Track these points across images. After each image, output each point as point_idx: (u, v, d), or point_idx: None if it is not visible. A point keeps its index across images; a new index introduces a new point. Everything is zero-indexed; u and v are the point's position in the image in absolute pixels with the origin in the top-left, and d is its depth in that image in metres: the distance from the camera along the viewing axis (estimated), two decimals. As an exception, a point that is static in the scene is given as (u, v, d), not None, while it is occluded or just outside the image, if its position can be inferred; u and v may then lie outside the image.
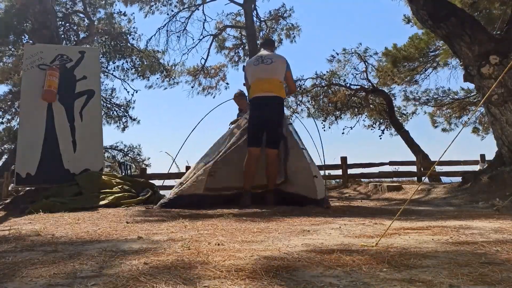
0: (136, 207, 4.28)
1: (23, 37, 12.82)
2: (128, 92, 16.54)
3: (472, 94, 13.05)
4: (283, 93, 4.53)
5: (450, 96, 13.77)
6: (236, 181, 4.47)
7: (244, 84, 5.02)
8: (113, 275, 1.40)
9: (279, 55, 4.76)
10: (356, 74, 14.33)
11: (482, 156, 9.75)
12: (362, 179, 10.10)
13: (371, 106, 15.13)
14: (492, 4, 8.11)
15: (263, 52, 4.73)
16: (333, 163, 10.37)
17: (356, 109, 15.01)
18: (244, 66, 4.86)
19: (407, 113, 14.74)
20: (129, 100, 16.37)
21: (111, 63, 15.47)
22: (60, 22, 13.51)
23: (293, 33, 15.59)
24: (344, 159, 10.13)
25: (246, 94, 5.14)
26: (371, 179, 10.01)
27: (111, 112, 16.50)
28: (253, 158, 4.38)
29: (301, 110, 15.06)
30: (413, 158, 11.60)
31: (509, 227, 2.46)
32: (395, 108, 14.40)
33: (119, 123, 16.44)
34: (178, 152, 5.32)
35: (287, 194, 4.52)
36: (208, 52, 15.63)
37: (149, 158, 18.35)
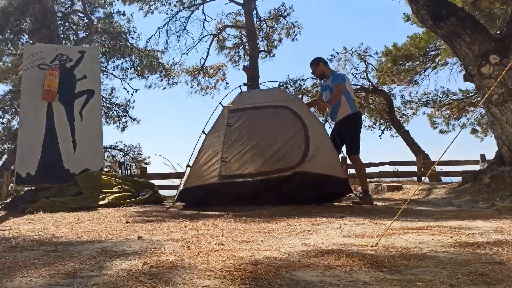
0: (136, 207, 4.27)
1: (22, 36, 12.80)
2: (127, 91, 16.53)
3: (470, 94, 13.04)
4: None
5: (449, 97, 13.76)
6: (248, 168, 4.34)
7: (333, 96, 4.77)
8: (113, 275, 1.40)
9: None
10: (356, 73, 14.32)
11: (482, 156, 9.73)
12: (362, 179, 10.06)
13: (371, 106, 15.12)
14: (492, 3, 8.10)
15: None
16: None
17: (356, 109, 14.98)
18: (345, 76, 5.21)
19: (407, 113, 14.74)
20: (129, 100, 16.36)
21: (110, 62, 15.44)
22: (60, 22, 13.48)
23: (293, 32, 15.55)
24: (344, 159, 10.11)
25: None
26: (371, 179, 10.00)
27: (111, 112, 16.48)
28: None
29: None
30: (413, 158, 11.59)
31: (509, 227, 2.46)
32: (395, 108, 14.39)
33: (119, 123, 16.43)
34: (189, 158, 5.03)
35: (311, 176, 4.24)
36: (208, 52, 15.59)
37: (149, 157, 18.30)
